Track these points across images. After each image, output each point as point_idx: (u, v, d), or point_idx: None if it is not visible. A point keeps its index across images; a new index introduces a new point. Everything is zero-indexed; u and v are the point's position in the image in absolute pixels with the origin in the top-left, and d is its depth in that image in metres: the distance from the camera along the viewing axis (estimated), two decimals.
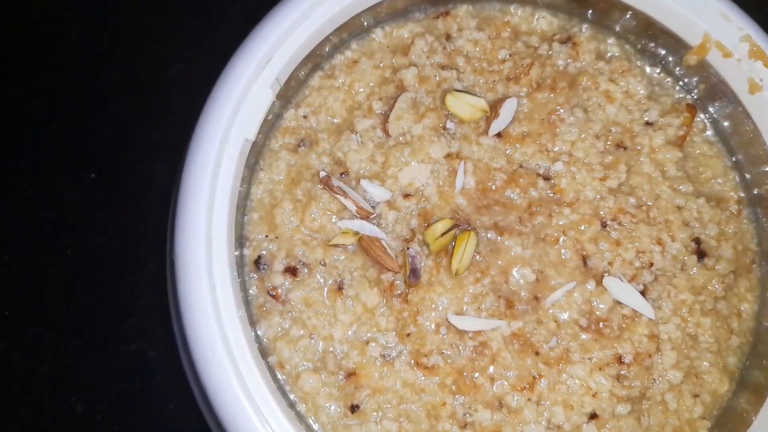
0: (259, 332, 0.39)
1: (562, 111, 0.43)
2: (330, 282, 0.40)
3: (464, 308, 0.40)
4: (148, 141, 0.53)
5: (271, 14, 0.39)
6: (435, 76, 0.44)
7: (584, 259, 0.41)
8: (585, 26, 0.47)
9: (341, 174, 0.42)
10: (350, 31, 0.44)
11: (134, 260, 0.50)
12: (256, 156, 0.42)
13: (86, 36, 0.55)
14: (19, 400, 0.48)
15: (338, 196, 0.40)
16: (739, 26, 0.42)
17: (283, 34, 0.38)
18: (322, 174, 0.40)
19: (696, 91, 0.46)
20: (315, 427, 0.39)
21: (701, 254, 0.42)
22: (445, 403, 0.39)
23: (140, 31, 0.55)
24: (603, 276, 0.41)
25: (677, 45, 0.44)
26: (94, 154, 0.52)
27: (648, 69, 0.47)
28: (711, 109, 0.45)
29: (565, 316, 0.40)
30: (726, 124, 0.45)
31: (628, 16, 0.45)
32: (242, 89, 0.37)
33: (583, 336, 0.40)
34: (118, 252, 0.51)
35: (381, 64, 0.45)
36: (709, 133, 0.46)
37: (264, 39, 0.38)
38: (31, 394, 0.48)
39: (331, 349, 0.39)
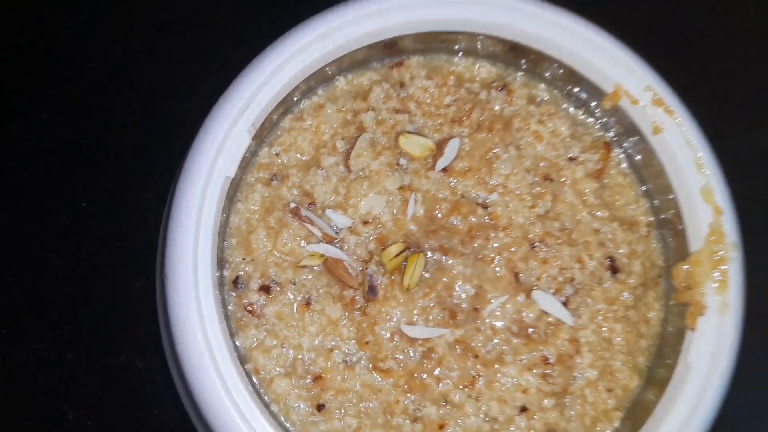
0: (237, 343, 0.45)
1: (497, 149, 0.50)
2: (299, 298, 0.46)
3: (414, 319, 0.46)
4: (137, 172, 0.58)
5: (250, 67, 0.45)
6: (390, 119, 0.50)
7: (516, 276, 0.47)
8: (519, 74, 0.54)
9: (309, 204, 0.48)
10: (317, 79, 0.50)
11: (123, 279, 0.55)
12: (234, 189, 0.47)
13: (81, 74, 0.60)
14: (17, 408, 0.52)
15: (306, 225, 0.46)
16: (643, 78, 0.49)
17: (260, 85, 0.44)
18: (292, 205, 0.46)
19: (613, 129, 0.53)
20: (287, 425, 0.44)
21: (615, 270, 0.49)
22: (398, 401, 0.45)
23: (133, 72, 0.61)
24: (532, 290, 0.47)
25: (596, 91, 0.51)
26: (86, 182, 0.58)
27: (572, 110, 0.53)
28: (626, 145, 0.52)
29: (499, 324, 0.47)
30: (638, 158, 0.52)
31: (555, 66, 0.52)
32: (224, 133, 0.43)
33: (515, 341, 0.46)
34: (109, 272, 0.56)
35: (343, 108, 0.50)
36: (624, 166, 0.52)
37: (242, 90, 0.44)
38: (28, 403, 0.52)
39: (300, 356, 0.45)
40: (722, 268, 0.46)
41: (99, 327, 0.54)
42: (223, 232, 0.46)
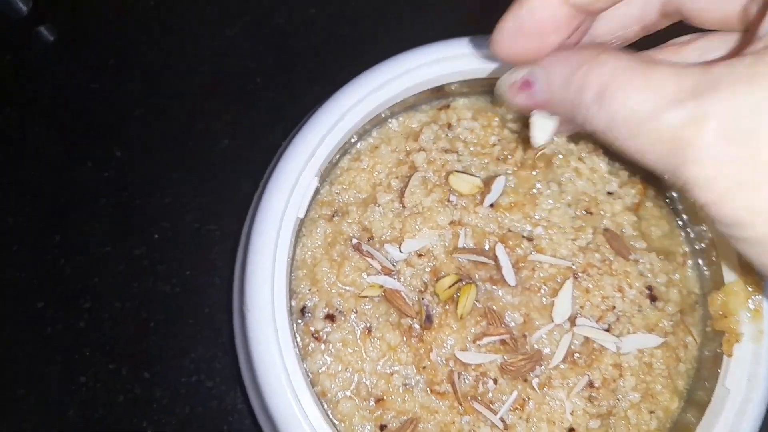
0: (305, 367, 0.49)
1: (540, 185, 0.54)
2: (361, 326, 0.50)
3: (467, 345, 0.49)
4: (201, 206, 0.63)
5: (315, 118, 0.50)
6: (440, 158, 0.54)
7: None
8: None
9: (368, 239, 0.52)
10: (372, 122, 0.54)
11: (192, 305, 0.60)
12: (300, 224, 0.52)
13: (148, 118, 0.66)
14: (101, 424, 0.57)
15: (366, 258, 0.51)
16: None
17: (324, 134, 0.49)
18: (354, 241, 0.51)
19: None
20: None
21: (653, 298, 0.52)
22: (454, 422, 0.48)
23: (191, 113, 0.66)
24: (576, 317, 0.50)
25: None
26: (157, 216, 0.63)
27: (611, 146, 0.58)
28: (663, 179, 0.56)
29: (546, 350, 0.51)
30: (673, 192, 0.56)
31: None
32: (294, 179, 0.47)
33: (562, 366, 0.50)
34: (179, 298, 0.61)
35: (397, 149, 0.54)
36: (659, 199, 0.56)
37: (310, 139, 0.48)
38: (111, 419, 0.57)
39: (363, 380, 0.49)
40: (756, 298, 0.49)
41: (172, 350, 0.59)
42: (290, 265, 0.51)
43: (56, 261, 0.60)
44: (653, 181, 0.56)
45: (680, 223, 0.55)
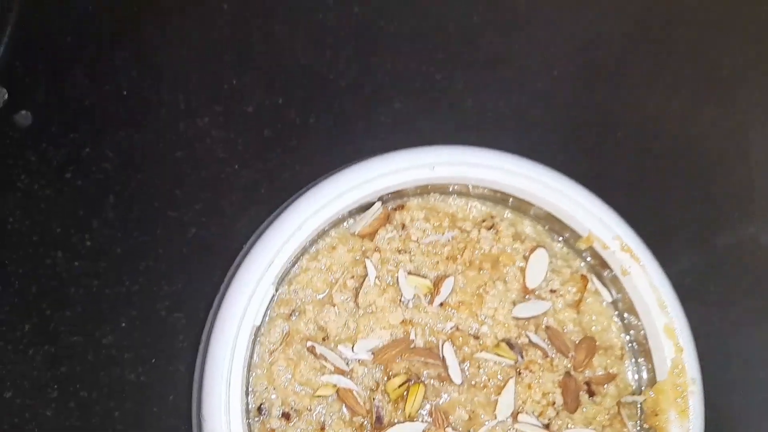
0: None
1: (486, 285, 0.58)
2: (315, 424, 0.53)
3: None
4: (169, 294, 0.66)
5: (274, 226, 0.53)
6: (393, 258, 0.58)
7: None
8: (507, 212, 0.62)
9: (323, 339, 0.55)
10: (330, 223, 0.58)
11: (157, 394, 0.63)
12: (259, 324, 0.55)
13: (119, 207, 0.68)
14: None
15: (320, 360, 0.54)
16: (612, 229, 0.57)
17: (283, 242, 0.52)
18: (309, 344, 0.54)
19: (591, 261, 0.61)
20: None
21: (591, 393, 0.56)
22: None
23: (163, 201, 0.69)
24: (518, 413, 0.54)
25: (573, 232, 0.59)
26: (126, 304, 0.65)
27: (554, 245, 0.62)
28: (603, 277, 0.60)
29: None
30: (612, 289, 0.59)
31: (536, 207, 0.60)
32: (251, 289, 0.51)
33: None
34: (145, 387, 0.63)
35: (353, 249, 0.58)
36: (601, 294, 0.60)
37: (268, 248, 0.52)
38: None
39: None
40: (683, 398, 0.52)
41: None
42: (248, 363, 0.53)
43: (25, 351, 0.62)
44: (594, 277, 0.60)
45: (618, 318, 0.59)
